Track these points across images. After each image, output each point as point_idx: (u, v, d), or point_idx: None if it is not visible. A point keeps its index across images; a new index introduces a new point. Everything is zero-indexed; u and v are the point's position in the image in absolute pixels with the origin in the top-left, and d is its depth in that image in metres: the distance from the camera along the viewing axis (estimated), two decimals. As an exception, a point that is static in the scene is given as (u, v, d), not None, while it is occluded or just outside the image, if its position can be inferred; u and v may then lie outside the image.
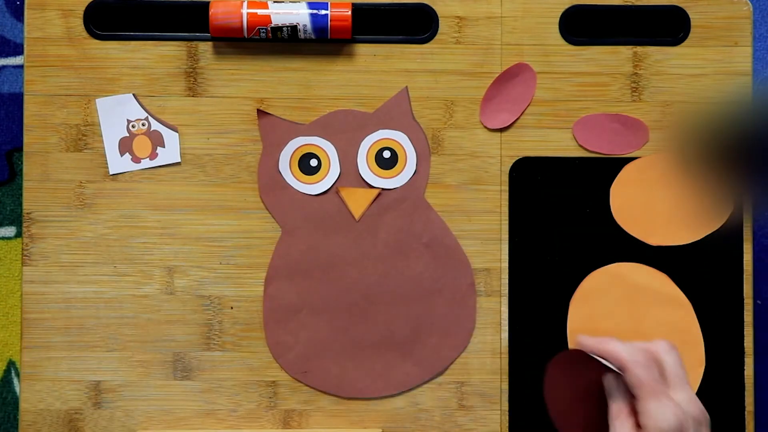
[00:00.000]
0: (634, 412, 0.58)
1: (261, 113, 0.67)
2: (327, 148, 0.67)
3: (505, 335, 0.67)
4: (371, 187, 0.67)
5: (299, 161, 0.67)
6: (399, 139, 0.67)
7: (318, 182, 0.67)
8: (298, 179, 0.67)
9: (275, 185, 0.67)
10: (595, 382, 0.61)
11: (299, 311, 0.67)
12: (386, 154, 0.67)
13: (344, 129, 0.67)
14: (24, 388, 0.66)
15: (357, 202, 0.67)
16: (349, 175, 0.67)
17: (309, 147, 0.67)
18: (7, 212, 0.78)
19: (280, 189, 0.67)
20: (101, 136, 0.67)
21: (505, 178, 0.68)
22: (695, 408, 0.57)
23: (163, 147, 0.67)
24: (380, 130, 0.67)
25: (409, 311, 0.67)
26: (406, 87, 0.67)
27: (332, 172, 0.67)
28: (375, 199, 0.67)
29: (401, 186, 0.67)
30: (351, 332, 0.67)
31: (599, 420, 0.61)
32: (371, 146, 0.67)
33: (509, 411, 0.67)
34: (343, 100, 0.67)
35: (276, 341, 0.67)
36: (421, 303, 0.67)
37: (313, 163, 0.67)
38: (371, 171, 0.67)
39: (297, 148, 0.67)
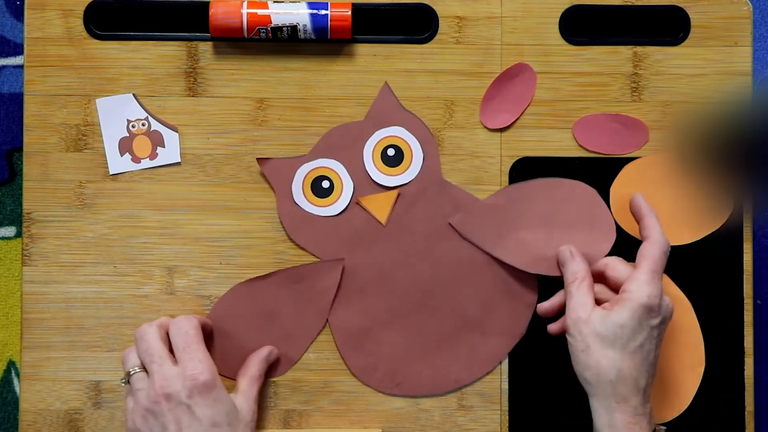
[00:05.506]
0: (592, 277, 0.63)
1: (261, 161, 0.66)
2: (334, 167, 0.67)
3: (505, 335, 0.67)
4: (388, 188, 0.67)
5: (311, 186, 0.67)
6: (397, 133, 0.67)
7: (335, 202, 0.67)
8: (315, 204, 0.67)
9: (300, 222, 0.67)
10: None
11: (369, 330, 0.67)
12: (390, 151, 0.67)
13: (344, 144, 0.67)
14: (24, 388, 0.67)
15: (380, 207, 0.67)
16: (364, 184, 0.67)
17: (317, 171, 0.67)
18: (7, 212, 0.78)
19: (306, 224, 0.67)
20: (101, 136, 0.67)
21: (505, 178, 0.68)
22: (669, 301, 0.61)
23: (163, 147, 0.67)
24: (376, 131, 0.67)
25: (471, 289, 0.67)
26: (386, 82, 0.67)
27: (346, 187, 0.67)
28: (396, 201, 0.67)
29: (417, 177, 0.67)
30: (425, 330, 0.67)
31: None
32: (374, 149, 0.67)
33: (509, 411, 0.67)
34: (343, 99, 0.67)
35: (360, 367, 0.66)
36: (480, 276, 0.67)
37: (325, 184, 0.67)
38: (382, 173, 0.67)
39: (306, 175, 0.67)
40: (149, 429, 0.59)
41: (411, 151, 0.67)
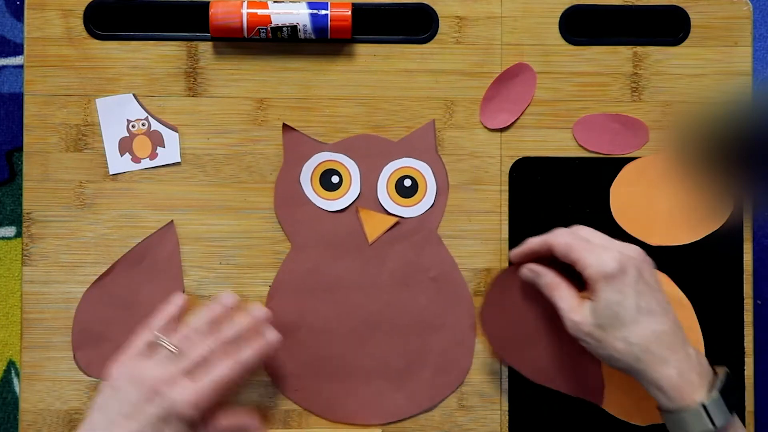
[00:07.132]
0: (569, 281, 0.61)
1: (286, 128, 0.67)
2: (350, 167, 0.67)
3: (505, 335, 0.67)
4: (388, 213, 0.67)
5: (321, 176, 0.67)
6: (422, 169, 0.67)
7: (337, 199, 0.67)
8: (317, 194, 0.67)
9: (293, 200, 0.67)
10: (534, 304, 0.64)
11: (298, 330, 0.66)
12: (407, 182, 0.67)
13: (369, 153, 0.67)
14: (24, 388, 0.66)
15: (374, 226, 0.67)
16: (368, 198, 0.67)
17: (333, 163, 0.67)
18: (7, 212, 0.78)
19: (297, 205, 0.67)
20: (101, 136, 0.67)
21: (505, 178, 0.68)
22: (631, 249, 0.59)
23: (163, 147, 0.67)
24: (405, 158, 0.67)
25: (407, 343, 0.66)
26: (433, 120, 0.67)
27: (352, 191, 0.67)
28: (391, 228, 0.67)
29: (416, 217, 0.67)
30: (347, 357, 0.66)
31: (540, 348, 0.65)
32: (393, 173, 0.67)
33: (509, 411, 0.67)
34: (343, 99, 0.68)
35: (271, 357, 0.66)
36: (419, 336, 0.66)
37: (335, 179, 0.67)
38: (390, 197, 0.67)
39: (321, 163, 0.67)
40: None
41: (425, 191, 0.67)
